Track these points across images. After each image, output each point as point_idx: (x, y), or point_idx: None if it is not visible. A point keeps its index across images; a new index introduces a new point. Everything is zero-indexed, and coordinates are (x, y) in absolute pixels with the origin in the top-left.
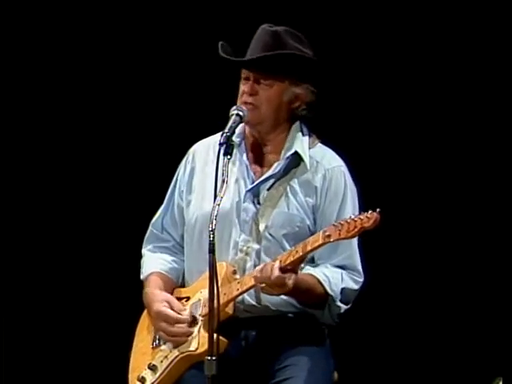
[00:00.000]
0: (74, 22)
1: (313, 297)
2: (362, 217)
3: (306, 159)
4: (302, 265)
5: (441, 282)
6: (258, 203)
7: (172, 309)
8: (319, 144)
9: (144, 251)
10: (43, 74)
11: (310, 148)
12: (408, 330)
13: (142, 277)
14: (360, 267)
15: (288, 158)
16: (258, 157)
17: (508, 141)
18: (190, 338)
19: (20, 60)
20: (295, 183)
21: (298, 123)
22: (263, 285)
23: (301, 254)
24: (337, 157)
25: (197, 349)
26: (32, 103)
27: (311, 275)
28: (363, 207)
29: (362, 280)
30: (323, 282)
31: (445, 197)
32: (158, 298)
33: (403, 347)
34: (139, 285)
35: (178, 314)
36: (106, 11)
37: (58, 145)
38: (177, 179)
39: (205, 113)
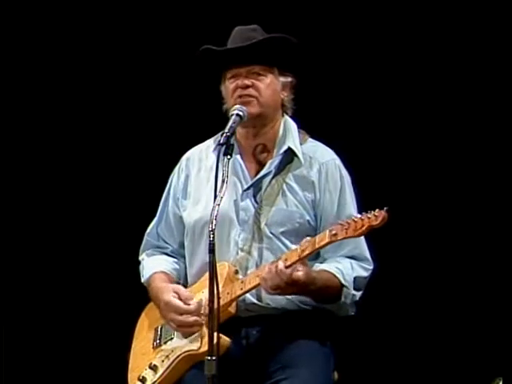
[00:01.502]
0: (72, 23)
1: (330, 291)
2: (369, 215)
3: (300, 154)
4: (310, 262)
5: (440, 283)
6: (256, 202)
7: (180, 299)
8: (309, 139)
9: (142, 257)
10: (40, 75)
11: (301, 144)
12: (408, 330)
13: (143, 279)
14: (368, 255)
15: (281, 154)
16: (251, 156)
17: (497, 133)
18: (192, 337)
19: (20, 60)
20: (291, 180)
21: (286, 119)
22: (275, 288)
23: (307, 252)
24: (329, 150)
25: (199, 348)
26: (26, 106)
27: (324, 270)
28: (358, 199)
29: (371, 267)
30: (337, 274)
31: (441, 187)
32: (166, 289)
33: (403, 347)
34: (138, 286)
35: (186, 303)
36: (104, 12)
37: (55, 150)
38: (170, 187)
39: (195, 122)
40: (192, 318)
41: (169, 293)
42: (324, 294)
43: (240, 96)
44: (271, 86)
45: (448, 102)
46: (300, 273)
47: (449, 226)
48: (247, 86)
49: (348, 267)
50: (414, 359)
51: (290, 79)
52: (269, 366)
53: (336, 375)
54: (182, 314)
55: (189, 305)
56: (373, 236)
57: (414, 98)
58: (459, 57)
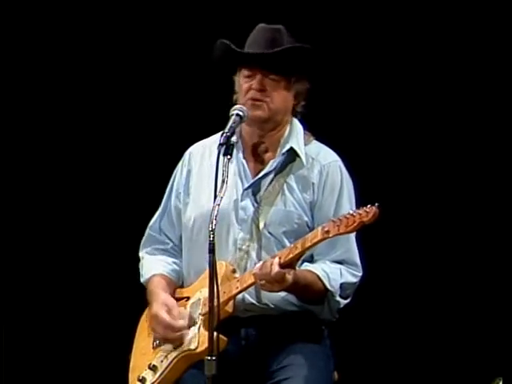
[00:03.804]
0: (73, 23)
1: (312, 292)
2: (360, 211)
3: (302, 155)
4: (300, 261)
5: (442, 284)
6: (256, 201)
7: (170, 313)
8: (314, 141)
9: (142, 254)
10: (39, 76)
11: (305, 145)
12: (408, 330)
13: (142, 280)
14: (358, 261)
15: (284, 153)
16: (255, 155)
17: (494, 135)
18: (189, 337)
19: (21, 60)
20: (291, 180)
21: (293, 121)
22: (263, 282)
23: (300, 250)
24: (332, 152)
25: (196, 347)
26: (25, 106)
27: (310, 271)
28: (360, 203)
29: (360, 274)
30: (322, 278)
31: (441, 191)
32: (159, 299)
33: (403, 347)
34: (139, 286)
35: (173, 320)
36: (105, 12)
37: (57, 145)
38: (173, 182)
39: (200, 116)
40: (175, 335)
41: (160, 304)
42: (306, 294)
43: (252, 99)
44: (285, 92)
45: (450, 108)
46: (289, 276)
47: (450, 229)
48: (261, 90)
49: (336, 273)
50: (414, 359)
51: (304, 87)
52: (269, 367)
53: (336, 375)
54: (166, 328)
55: (176, 321)
56: (374, 237)
57: (418, 102)
58: (460, 64)
